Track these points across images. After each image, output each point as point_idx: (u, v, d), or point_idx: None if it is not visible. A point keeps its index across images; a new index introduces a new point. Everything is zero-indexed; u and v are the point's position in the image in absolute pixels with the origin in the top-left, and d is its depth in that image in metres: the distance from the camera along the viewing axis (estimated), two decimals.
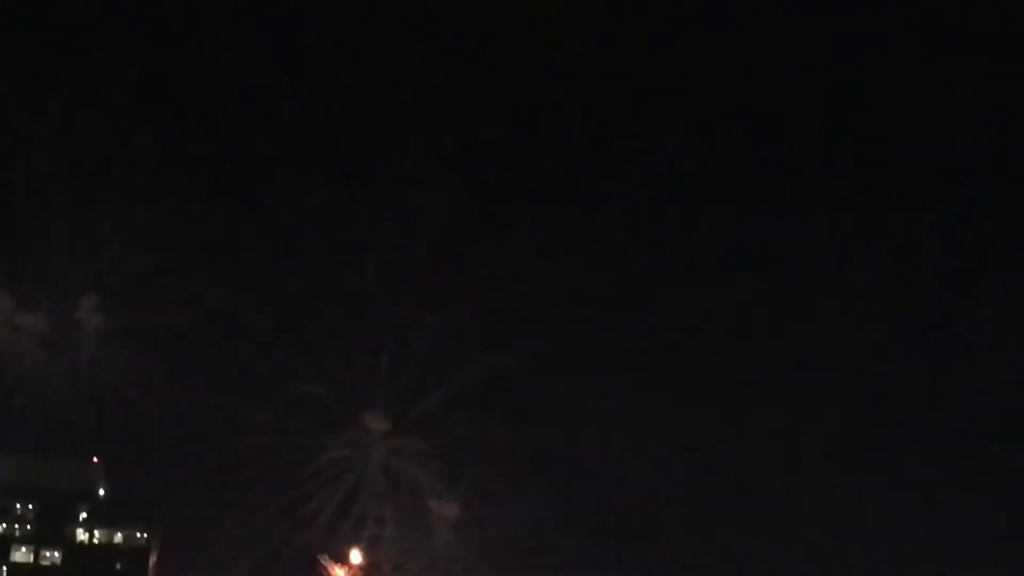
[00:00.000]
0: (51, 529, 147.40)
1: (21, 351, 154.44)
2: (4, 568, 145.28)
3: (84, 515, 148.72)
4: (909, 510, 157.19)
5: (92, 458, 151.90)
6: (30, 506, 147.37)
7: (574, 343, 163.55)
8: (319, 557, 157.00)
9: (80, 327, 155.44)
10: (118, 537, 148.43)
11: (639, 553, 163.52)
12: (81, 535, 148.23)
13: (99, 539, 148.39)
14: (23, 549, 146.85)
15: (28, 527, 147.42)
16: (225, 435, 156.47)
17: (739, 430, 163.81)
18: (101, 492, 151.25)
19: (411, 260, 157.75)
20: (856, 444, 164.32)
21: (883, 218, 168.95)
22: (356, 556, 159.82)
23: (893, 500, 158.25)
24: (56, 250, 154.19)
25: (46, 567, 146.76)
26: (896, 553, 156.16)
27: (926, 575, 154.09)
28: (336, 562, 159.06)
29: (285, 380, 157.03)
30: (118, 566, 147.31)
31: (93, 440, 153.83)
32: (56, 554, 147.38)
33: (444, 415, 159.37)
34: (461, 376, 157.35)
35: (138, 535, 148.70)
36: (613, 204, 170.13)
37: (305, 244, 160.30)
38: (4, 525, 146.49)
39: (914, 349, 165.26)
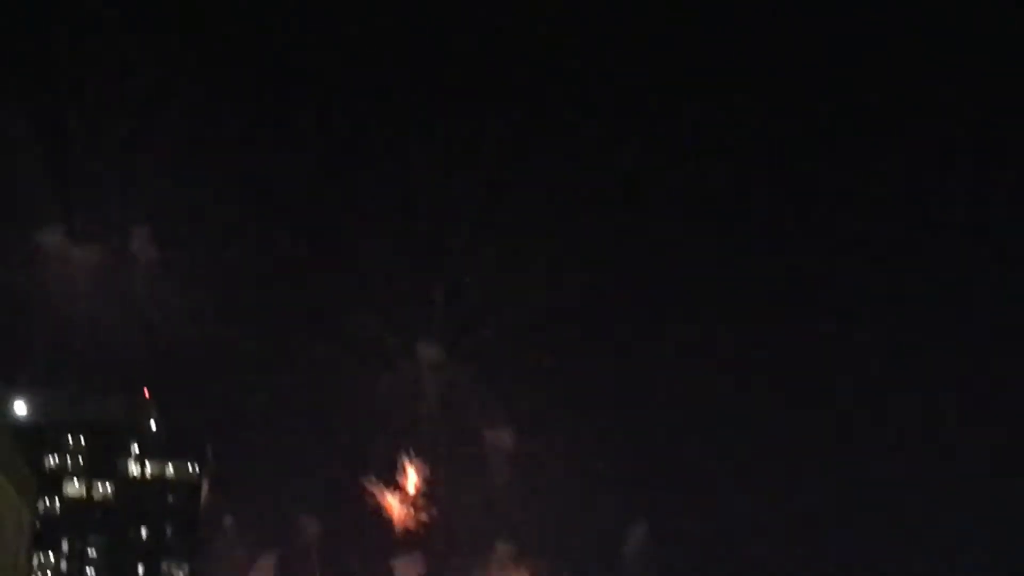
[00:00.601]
0: (103, 463, 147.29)
1: (74, 284, 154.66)
2: (57, 501, 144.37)
3: (136, 449, 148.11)
4: None
5: (144, 392, 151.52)
6: (82, 440, 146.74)
7: (630, 275, 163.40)
8: (366, 480, 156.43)
9: (133, 260, 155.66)
10: (169, 471, 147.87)
11: (701, 493, 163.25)
12: (133, 469, 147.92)
13: (151, 473, 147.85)
14: (75, 483, 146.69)
15: (80, 461, 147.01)
16: (277, 368, 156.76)
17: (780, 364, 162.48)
18: (153, 426, 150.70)
19: (463, 190, 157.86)
20: None
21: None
22: (411, 479, 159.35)
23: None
24: (109, 183, 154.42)
25: (98, 501, 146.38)
26: None
27: None
28: (388, 486, 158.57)
29: (338, 313, 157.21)
30: (169, 499, 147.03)
31: (145, 374, 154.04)
32: (108, 488, 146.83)
33: (499, 346, 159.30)
34: (515, 308, 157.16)
35: (189, 469, 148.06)
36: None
37: (358, 176, 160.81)
38: (56, 459, 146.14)
39: None
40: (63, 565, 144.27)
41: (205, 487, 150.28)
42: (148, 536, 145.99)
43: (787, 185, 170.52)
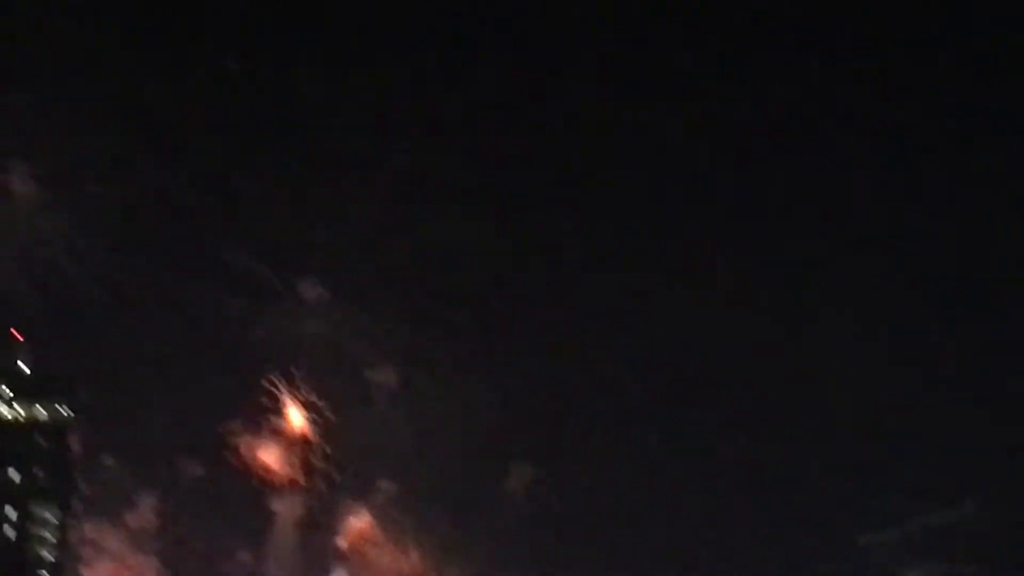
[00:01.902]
0: None
1: None
2: None
3: (5, 391, 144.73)
4: None
5: (11, 331, 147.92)
6: None
7: (522, 214, 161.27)
8: (246, 421, 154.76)
9: (10, 195, 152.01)
10: (41, 413, 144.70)
11: (591, 433, 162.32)
12: (2, 411, 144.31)
13: (21, 415, 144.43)
14: None
15: None
16: (155, 307, 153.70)
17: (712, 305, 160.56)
18: (22, 367, 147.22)
19: (349, 124, 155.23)
20: None
21: None
22: (293, 419, 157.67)
23: None
24: None
25: None
26: None
27: None
28: (269, 427, 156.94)
29: (218, 250, 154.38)
30: (40, 442, 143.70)
31: (17, 313, 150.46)
32: None
33: (383, 283, 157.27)
34: (401, 246, 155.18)
35: (61, 411, 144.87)
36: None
37: (240, 110, 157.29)
38: None
39: None
40: None
41: (77, 430, 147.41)
42: (19, 479, 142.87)
43: None
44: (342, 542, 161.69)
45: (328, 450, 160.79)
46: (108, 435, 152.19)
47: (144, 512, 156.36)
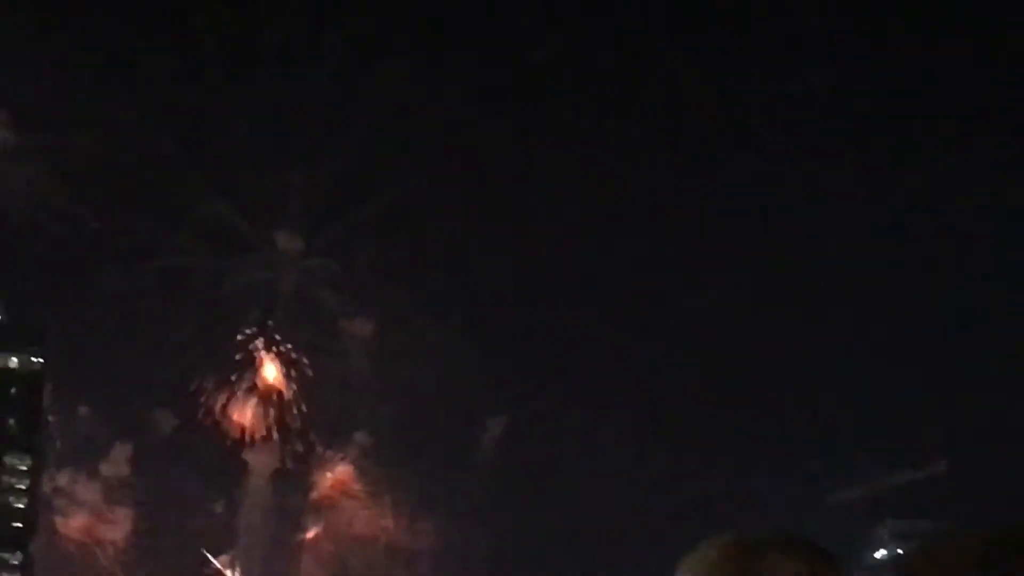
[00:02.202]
0: None
1: None
2: None
3: None
4: None
5: None
6: None
7: (492, 160, 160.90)
8: (221, 373, 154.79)
9: None
10: (12, 362, 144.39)
11: (562, 386, 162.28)
12: None
13: None
14: None
15: None
16: (129, 258, 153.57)
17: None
18: None
19: (322, 79, 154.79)
20: None
21: None
22: (268, 371, 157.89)
23: None
24: None
25: None
26: None
27: None
28: (243, 379, 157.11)
29: (193, 200, 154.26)
30: (12, 391, 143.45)
31: None
32: None
33: (356, 238, 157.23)
34: (372, 198, 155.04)
35: (32, 360, 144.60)
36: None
37: (215, 61, 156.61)
38: None
39: None
40: None
41: (49, 380, 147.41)
42: None
43: None
44: (316, 495, 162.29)
45: (303, 402, 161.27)
46: (81, 385, 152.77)
47: (118, 463, 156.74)
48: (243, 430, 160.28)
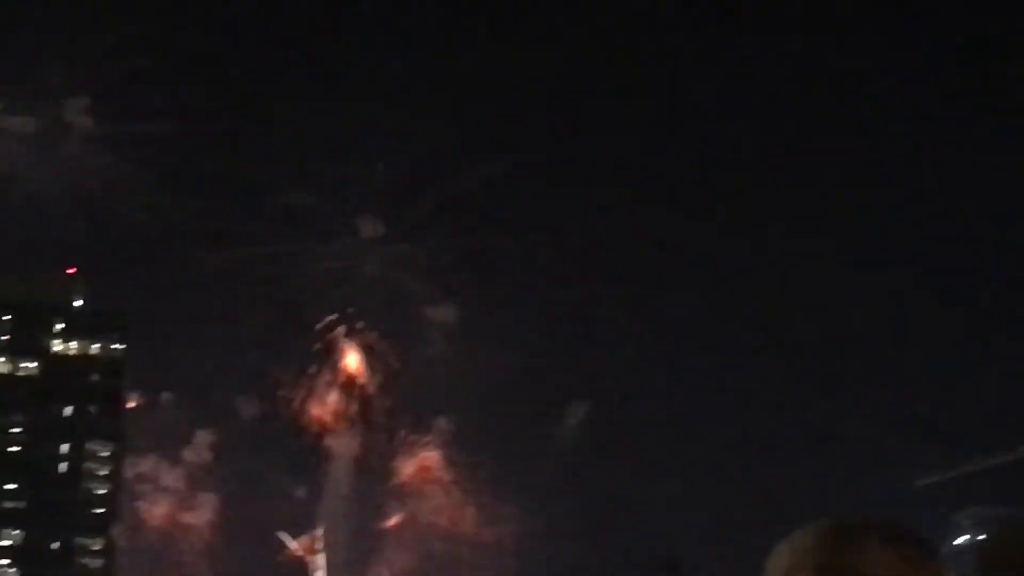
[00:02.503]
0: (27, 340, 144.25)
1: (7, 155, 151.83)
2: None
3: (60, 326, 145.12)
4: None
5: (68, 269, 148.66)
6: (6, 317, 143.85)
7: (573, 151, 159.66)
8: (303, 359, 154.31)
9: (68, 131, 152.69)
10: (94, 348, 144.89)
11: (644, 371, 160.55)
12: (57, 346, 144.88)
13: (75, 350, 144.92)
14: (0, 360, 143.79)
15: (4, 338, 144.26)
16: (212, 245, 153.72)
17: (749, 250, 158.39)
18: (78, 303, 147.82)
19: (404, 66, 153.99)
20: None
21: None
22: (350, 356, 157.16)
23: None
24: (44, 51, 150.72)
25: (22, 378, 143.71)
26: None
27: None
28: (326, 364, 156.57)
29: (277, 187, 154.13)
30: (94, 377, 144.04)
31: (76, 250, 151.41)
32: (33, 365, 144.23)
33: (438, 223, 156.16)
34: (456, 183, 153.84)
35: (114, 346, 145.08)
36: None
37: (296, 50, 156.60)
38: None
39: None
40: None
41: (129, 365, 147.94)
42: (72, 414, 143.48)
43: None
44: (399, 481, 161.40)
45: (385, 389, 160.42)
46: (164, 372, 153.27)
47: (201, 449, 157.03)
48: (325, 417, 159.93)
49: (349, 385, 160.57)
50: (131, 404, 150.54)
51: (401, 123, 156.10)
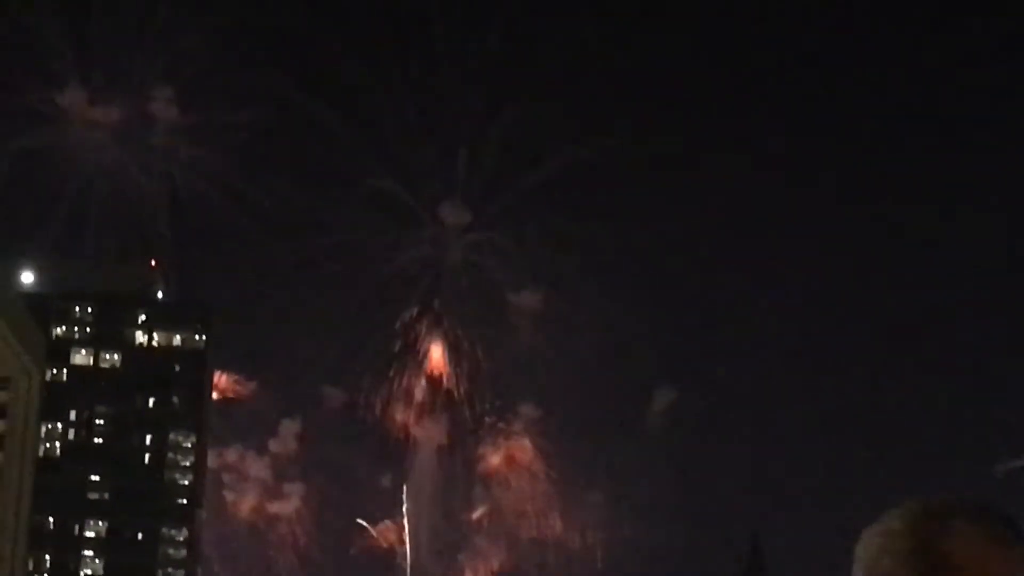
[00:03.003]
0: (109, 332, 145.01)
1: (93, 146, 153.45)
2: (64, 370, 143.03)
3: (142, 318, 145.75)
4: None
5: (151, 261, 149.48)
6: (89, 309, 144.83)
7: (655, 134, 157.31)
8: (391, 347, 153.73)
9: (153, 121, 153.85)
10: (176, 340, 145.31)
11: (732, 357, 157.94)
12: (139, 337, 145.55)
13: (157, 342, 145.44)
14: (82, 352, 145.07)
15: (87, 330, 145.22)
16: (298, 234, 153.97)
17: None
18: (160, 295, 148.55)
19: (486, 51, 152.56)
20: None
21: None
22: (438, 343, 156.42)
23: None
24: (129, 42, 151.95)
25: (105, 369, 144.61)
26: None
27: None
28: (413, 352, 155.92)
29: (361, 175, 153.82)
30: (176, 368, 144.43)
31: (160, 240, 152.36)
32: (115, 356, 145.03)
33: (524, 209, 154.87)
34: (539, 170, 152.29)
35: (196, 337, 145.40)
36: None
37: (379, 38, 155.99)
38: (63, 328, 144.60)
39: None
40: (70, 433, 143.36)
41: (212, 356, 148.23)
42: (155, 405, 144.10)
43: None
44: (484, 468, 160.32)
45: (470, 376, 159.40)
46: (249, 362, 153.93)
47: (286, 439, 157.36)
48: (411, 405, 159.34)
49: (434, 373, 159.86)
50: (216, 395, 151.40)
51: (488, 107, 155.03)
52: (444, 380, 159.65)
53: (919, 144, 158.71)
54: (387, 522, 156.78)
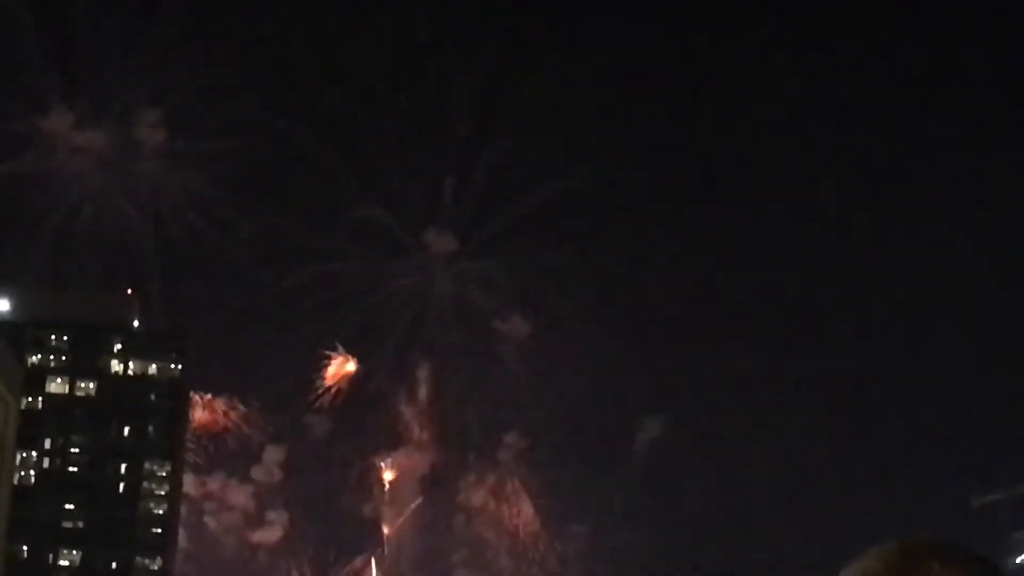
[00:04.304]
0: (85, 360, 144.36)
1: (77, 171, 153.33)
2: (40, 399, 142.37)
3: (118, 346, 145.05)
4: None
5: (127, 290, 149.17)
6: (64, 337, 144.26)
7: (643, 165, 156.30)
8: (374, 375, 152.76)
9: (139, 146, 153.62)
10: (152, 368, 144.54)
11: (720, 386, 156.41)
12: (115, 366, 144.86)
13: (133, 370, 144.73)
14: (58, 380, 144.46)
15: (63, 358, 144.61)
16: (282, 262, 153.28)
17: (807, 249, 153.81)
18: (136, 324, 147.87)
19: (474, 80, 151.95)
20: None
21: None
22: (423, 372, 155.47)
23: None
24: (115, 67, 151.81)
25: (81, 397, 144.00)
26: None
27: None
28: (397, 380, 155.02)
29: (346, 205, 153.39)
30: (152, 397, 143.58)
31: (143, 268, 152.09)
32: (91, 385, 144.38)
33: (511, 238, 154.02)
34: (526, 199, 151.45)
35: (172, 366, 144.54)
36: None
37: (366, 63, 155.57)
38: (39, 356, 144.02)
39: None
40: (45, 462, 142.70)
41: (188, 385, 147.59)
42: (130, 433, 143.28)
43: None
44: (468, 498, 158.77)
45: (455, 405, 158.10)
46: (232, 389, 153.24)
47: (269, 468, 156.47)
48: (394, 433, 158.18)
49: (418, 401, 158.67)
50: (194, 423, 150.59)
51: (474, 136, 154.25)
52: (429, 409, 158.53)
53: (883, 160, 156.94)
54: (364, 554, 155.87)
